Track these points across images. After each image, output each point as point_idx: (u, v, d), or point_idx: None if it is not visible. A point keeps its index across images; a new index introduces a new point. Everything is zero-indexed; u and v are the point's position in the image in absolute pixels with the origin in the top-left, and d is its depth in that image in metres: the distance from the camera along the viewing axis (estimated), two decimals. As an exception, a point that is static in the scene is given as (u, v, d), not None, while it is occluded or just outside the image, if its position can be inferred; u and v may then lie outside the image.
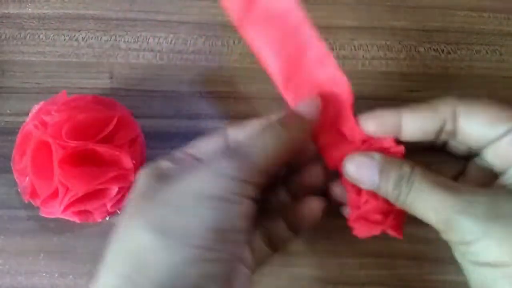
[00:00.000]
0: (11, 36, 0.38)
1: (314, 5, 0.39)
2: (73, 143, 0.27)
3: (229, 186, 0.21)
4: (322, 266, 0.30)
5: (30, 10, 0.39)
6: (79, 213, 0.29)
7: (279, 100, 0.35)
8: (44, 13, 0.39)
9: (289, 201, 0.27)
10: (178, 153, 0.26)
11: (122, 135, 0.29)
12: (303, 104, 0.24)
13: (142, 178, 0.24)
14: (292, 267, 0.30)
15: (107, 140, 0.28)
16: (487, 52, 0.38)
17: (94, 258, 0.30)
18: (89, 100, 0.31)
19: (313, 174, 0.27)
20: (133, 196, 0.23)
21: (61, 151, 0.27)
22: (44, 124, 0.28)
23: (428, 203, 0.21)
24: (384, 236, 0.30)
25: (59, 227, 0.31)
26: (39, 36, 0.37)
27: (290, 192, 0.27)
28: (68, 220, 0.31)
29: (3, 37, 0.38)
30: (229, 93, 0.35)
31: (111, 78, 0.36)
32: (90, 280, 0.29)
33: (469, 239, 0.19)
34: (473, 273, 0.20)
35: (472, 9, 0.39)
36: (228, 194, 0.21)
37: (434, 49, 0.38)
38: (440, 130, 0.23)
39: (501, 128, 0.22)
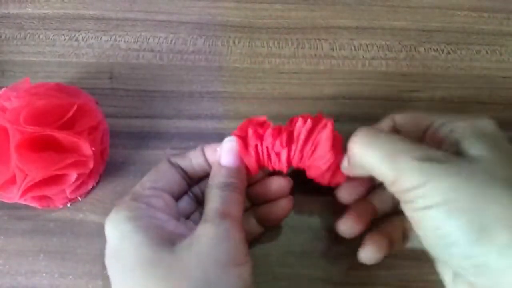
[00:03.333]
0: (11, 36, 0.38)
1: (314, 5, 0.39)
2: (30, 129, 0.27)
3: (241, 247, 0.23)
4: (322, 266, 0.30)
5: (30, 10, 0.39)
6: (39, 198, 0.29)
7: (279, 100, 0.35)
8: (44, 13, 0.39)
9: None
10: (139, 189, 0.25)
11: (82, 123, 0.29)
12: (225, 158, 0.26)
13: (129, 233, 0.23)
14: (292, 267, 0.30)
15: (67, 127, 0.28)
16: (487, 52, 0.38)
17: (94, 258, 0.30)
18: (50, 87, 0.31)
19: (282, 206, 0.29)
20: (130, 261, 0.22)
21: (18, 136, 0.27)
22: (3, 109, 0.28)
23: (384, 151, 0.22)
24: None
25: (59, 227, 0.31)
26: (39, 36, 0.37)
27: (258, 219, 0.29)
28: (68, 220, 0.31)
29: (3, 37, 0.38)
30: (228, 93, 0.35)
31: (111, 78, 0.36)
32: (90, 281, 0.29)
33: (417, 183, 0.21)
34: (422, 220, 0.21)
35: (472, 9, 0.39)
36: (242, 256, 0.23)
37: (434, 49, 0.38)
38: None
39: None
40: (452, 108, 0.35)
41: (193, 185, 0.29)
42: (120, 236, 0.23)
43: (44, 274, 0.29)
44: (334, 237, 0.30)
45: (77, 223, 0.31)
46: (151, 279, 0.21)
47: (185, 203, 0.28)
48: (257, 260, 0.29)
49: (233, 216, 0.24)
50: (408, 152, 0.21)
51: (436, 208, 0.20)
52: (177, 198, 0.27)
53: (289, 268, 0.30)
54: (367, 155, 0.23)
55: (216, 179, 0.26)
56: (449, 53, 0.38)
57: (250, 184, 0.28)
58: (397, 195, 0.22)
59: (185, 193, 0.28)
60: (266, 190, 0.28)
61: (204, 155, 0.27)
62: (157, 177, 0.26)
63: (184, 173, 0.27)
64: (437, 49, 0.38)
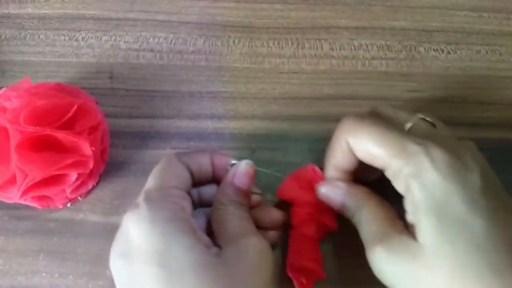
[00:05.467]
0: (11, 36, 0.38)
1: (314, 5, 0.39)
2: (30, 129, 0.27)
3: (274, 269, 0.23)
4: (322, 266, 0.30)
5: (30, 10, 0.39)
6: (39, 198, 0.29)
7: (279, 100, 0.35)
8: (44, 13, 0.39)
9: None
10: (164, 187, 0.24)
11: (82, 123, 0.29)
12: (238, 176, 0.26)
13: (175, 235, 0.21)
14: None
15: (68, 126, 0.28)
16: (487, 52, 0.38)
17: (94, 258, 0.30)
18: (50, 87, 0.31)
19: (274, 214, 0.29)
20: (180, 265, 0.20)
21: (19, 136, 0.27)
22: (3, 109, 0.28)
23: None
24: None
25: (59, 227, 0.31)
26: (39, 36, 0.37)
27: None
28: (68, 220, 0.31)
29: (3, 37, 0.38)
30: (228, 93, 0.35)
31: (111, 78, 0.36)
32: (90, 281, 0.29)
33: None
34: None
35: (472, 9, 0.39)
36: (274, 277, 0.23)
37: (434, 49, 0.38)
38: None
39: (378, 156, 0.24)
40: (452, 108, 0.35)
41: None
42: (162, 238, 0.21)
43: (44, 274, 0.29)
44: (334, 237, 0.30)
45: (77, 223, 0.31)
46: (204, 284, 0.20)
47: None
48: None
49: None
50: None
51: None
52: None
53: (289, 268, 0.30)
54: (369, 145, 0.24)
55: (229, 197, 0.25)
56: (449, 53, 0.38)
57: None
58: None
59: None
60: (263, 216, 0.28)
61: (211, 161, 0.27)
62: (177, 175, 0.25)
63: (190, 173, 0.27)
64: (437, 49, 0.38)
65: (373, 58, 0.37)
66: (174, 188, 0.24)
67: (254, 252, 0.22)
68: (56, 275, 0.29)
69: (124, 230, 0.22)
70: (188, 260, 0.20)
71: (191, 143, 0.33)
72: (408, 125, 0.25)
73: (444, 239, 0.21)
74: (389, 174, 0.24)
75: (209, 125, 0.34)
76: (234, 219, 0.24)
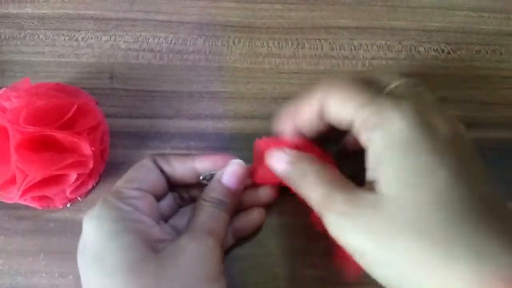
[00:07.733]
0: (11, 36, 0.37)
1: (314, 5, 0.39)
2: (30, 129, 0.27)
3: (219, 265, 0.24)
4: (323, 266, 0.30)
5: (30, 10, 0.39)
6: (39, 199, 0.29)
7: (279, 100, 0.35)
8: (44, 13, 0.39)
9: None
10: (124, 188, 0.25)
11: (82, 122, 0.29)
12: (228, 175, 0.27)
13: (117, 234, 0.22)
14: (292, 267, 0.30)
15: (67, 126, 0.28)
16: (487, 52, 0.38)
17: (94, 258, 0.30)
18: (50, 87, 0.31)
19: (264, 193, 0.30)
20: (113, 264, 0.21)
21: (19, 136, 0.27)
22: (3, 109, 0.28)
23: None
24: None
25: (59, 227, 0.31)
26: (39, 36, 0.37)
27: (233, 231, 0.29)
28: (68, 220, 0.31)
29: (3, 37, 0.38)
30: (228, 93, 0.35)
31: (111, 78, 0.36)
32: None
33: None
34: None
35: (472, 9, 0.40)
36: (220, 273, 0.23)
37: (434, 49, 0.38)
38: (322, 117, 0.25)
39: (349, 108, 0.23)
40: (452, 108, 0.35)
41: (176, 187, 0.29)
42: (105, 236, 0.22)
43: (44, 274, 0.29)
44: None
45: (77, 223, 0.31)
46: (133, 285, 0.21)
47: (165, 204, 0.28)
48: (258, 260, 0.30)
49: (218, 235, 0.24)
50: None
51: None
52: (159, 200, 0.27)
53: (290, 268, 0.30)
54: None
55: (211, 194, 0.26)
56: (449, 53, 0.38)
57: None
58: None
59: (165, 195, 0.28)
60: (244, 198, 0.29)
61: (190, 165, 0.27)
62: (142, 177, 0.26)
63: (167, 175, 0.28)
64: (437, 49, 0.38)
65: (373, 58, 0.37)
66: (135, 190, 0.25)
67: (189, 254, 0.23)
68: (56, 275, 0.29)
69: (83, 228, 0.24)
70: (121, 258, 0.22)
71: (191, 143, 0.33)
72: (390, 87, 0.23)
73: (405, 188, 0.20)
74: (355, 129, 0.23)
75: (209, 125, 0.34)
76: (200, 215, 0.25)
